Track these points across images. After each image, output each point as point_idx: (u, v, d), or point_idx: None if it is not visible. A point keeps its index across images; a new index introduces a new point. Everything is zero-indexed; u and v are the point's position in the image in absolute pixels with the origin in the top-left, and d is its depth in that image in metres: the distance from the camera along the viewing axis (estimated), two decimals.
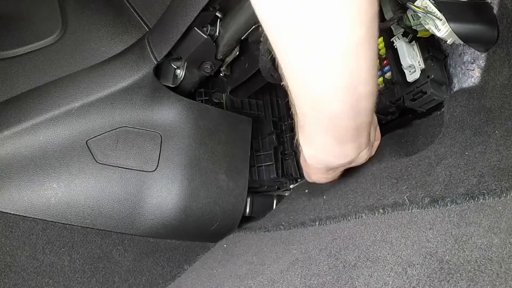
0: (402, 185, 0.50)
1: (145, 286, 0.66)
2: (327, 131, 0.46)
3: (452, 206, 0.41)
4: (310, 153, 0.51)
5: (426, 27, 0.59)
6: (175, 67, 0.72)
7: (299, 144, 0.52)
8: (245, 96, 0.82)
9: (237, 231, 0.71)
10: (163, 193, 0.66)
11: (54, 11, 0.73)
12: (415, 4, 0.58)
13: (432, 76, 0.63)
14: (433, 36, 0.62)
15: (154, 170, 0.66)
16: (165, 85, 0.68)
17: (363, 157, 0.53)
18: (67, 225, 0.62)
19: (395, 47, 0.66)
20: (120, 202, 0.64)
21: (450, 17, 0.56)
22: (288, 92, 0.49)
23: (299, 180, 0.82)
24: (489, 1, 0.59)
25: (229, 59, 0.69)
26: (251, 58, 0.69)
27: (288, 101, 0.91)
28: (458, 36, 0.57)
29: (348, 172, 0.65)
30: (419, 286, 0.33)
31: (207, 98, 0.78)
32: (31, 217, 0.60)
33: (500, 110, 0.52)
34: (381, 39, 0.70)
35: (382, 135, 0.71)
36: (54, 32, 0.71)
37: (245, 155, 0.74)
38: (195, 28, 0.61)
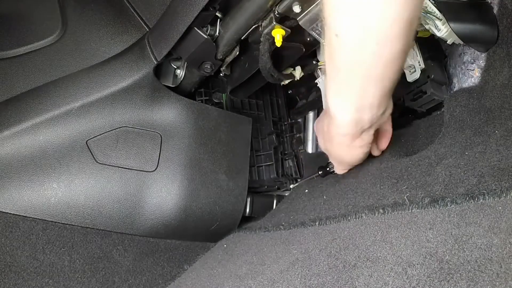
0: (402, 185, 0.50)
1: (145, 286, 0.66)
2: (377, 79, 0.45)
3: (452, 206, 0.41)
4: (348, 113, 0.48)
5: (426, 27, 0.59)
6: (175, 67, 0.72)
7: (333, 112, 0.49)
8: (245, 96, 0.82)
9: (237, 231, 0.71)
10: (163, 193, 0.66)
11: (54, 11, 0.72)
12: None
13: (432, 76, 0.63)
14: (433, 36, 0.62)
15: (154, 170, 0.66)
16: (165, 85, 0.68)
17: (388, 111, 0.52)
18: (67, 225, 0.62)
19: None
20: (120, 202, 0.64)
21: (450, 17, 0.56)
22: (328, 52, 0.46)
23: (299, 180, 0.82)
24: (489, 1, 0.59)
25: (229, 59, 0.69)
26: (251, 58, 0.69)
27: (287, 101, 0.91)
28: (458, 36, 0.57)
29: (348, 172, 0.65)
30: (419, 286, 0.33)
31: (207, 98, 0.78)
32: (31, 217, 0.60)
33: (500, 110, 0.52)
34: None
35: None
36: (54, 32, 0.71)
37: (245, 155, 0.74)
38: (195, 28, 0.61)
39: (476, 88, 0.59)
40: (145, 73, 0.65)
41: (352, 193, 0.56)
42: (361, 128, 0.51)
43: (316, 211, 0.59)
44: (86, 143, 0.64)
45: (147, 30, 0.71)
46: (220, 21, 0.64)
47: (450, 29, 0.56)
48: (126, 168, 0.65)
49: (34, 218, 0.60)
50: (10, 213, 0.59)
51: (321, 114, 0.65)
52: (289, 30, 0.60)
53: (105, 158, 0.64)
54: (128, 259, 0.65)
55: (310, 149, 0.87)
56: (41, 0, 0.74)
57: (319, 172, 0.70)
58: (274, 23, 0.58)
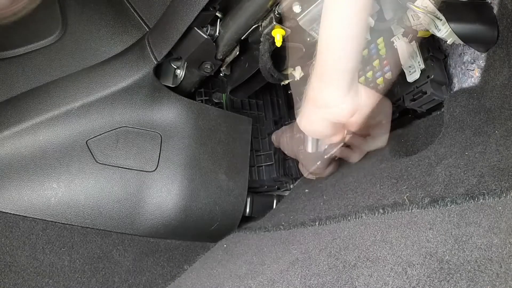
0: (402, 185, 0.50)
1: (145, 286, 0.66)
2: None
3: (452, 206, 0.41)
4: (316, 94, 0.57)
5: (426, 27, 0.59)
6: (175, 67, 0.72)
7: (308, 93, 0.58)
8: (245, 96, 0.82)
9: (237, 231, 0.71)
10: (163, 193, 0.66)
11: (54, 11, 0.72)
12: (415, 4, 0.58)
13: (432, 76, 0.63)
14: (433, 36, 0.62)
15: (154, 170, 0.66)
16: (165, 85, 0.68)
17: (348, 103, 0.56)
18: (67, 225, 0.62)
19: (395, 47, 0.66)
20: (120, 202, 0.64)
21: (450, 17, 0.56)
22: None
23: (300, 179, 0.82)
24: (489, 1, 0.59)
25: (229, 59, 0.69)
26: (251, 58, 0.69)
27: (288, 100, 0.91)
28: (458, 36, 0.57)
29: (348, 172, 0.65)
30: (419, 286, 0.33)
31: (207, 98, 0.78)
32: (31, 217, 0.60)
33: (500, 110, 0.52)
34: (381, 39, 0.70)
35: None
36: (54, 32, 0.71)
37: (245, 155, 0.74)
38: (195, 28, 0.61)
39: (476, 88, 0.59)
40: (145, 73, 0.65)
41: (352, 193, 0.56)
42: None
43: (316, 211, 0.59)
44: (86, 143, 0.64)
45: (147, 30, 0.71)
46: (220, 21, 0.64)
47: (450, 29, 0.56)
48: (126, 168, 0.65)
49: (34, 218, 0.60)
50: (10, 213, 0.59)
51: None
52: (289, 30, 0.60)
53: (105, 158, 0.64)
54: (128, 259, 0.65)
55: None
56: (41, 0, 0.74)
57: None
58: (274, 23, 0.59)
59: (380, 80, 0.70)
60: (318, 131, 0.61)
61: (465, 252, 0.34)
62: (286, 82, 0.74)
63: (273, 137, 0.81)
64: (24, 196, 0.60)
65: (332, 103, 0.56)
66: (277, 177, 0.81)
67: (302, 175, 0.84)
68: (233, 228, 0.72)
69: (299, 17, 0.58)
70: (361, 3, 0.50)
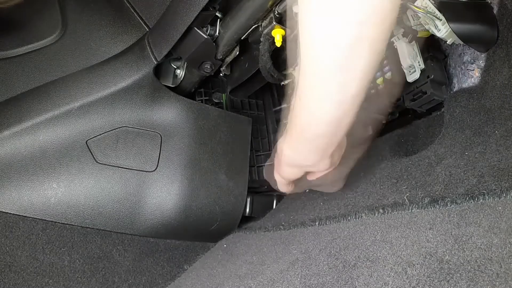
0: (402, 185, 0.50)
1: (145, 286, 0.66)
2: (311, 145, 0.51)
3: (452, 206, 0.41)
4: (289, 154, 0.54)
5: (426, 27, 0.59)
6: (175, 67, 0.72)
7: (281, 146, 0.55)
8: (245, 96, 0.82)
9: (237, 231, 0.71)
10: (163, 193, 0.66)
11: (54, 11, 0.73)
12: (415, 4, 0.58)
13: (432, 76, 0.63)
14: (433, 36, 0.62)
15: (154, 170, 0.66)
16: (165, 85, 0.68)
17: (322, 166, 0.55)
18: (67, 225, 0.62)
19: (395, 47, 0.66)
20: (120, 202, 0.64)
21: (450, 17, 0.56)
22: (292, 105, 0.51)
23: None
24: (489, 1, 0.59)
25: (229, 59, 0.69)
26: (251, 58, 0.69)
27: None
28: (458, 36, 0.57)
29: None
30: (419, 286, 0.33)
31: (207, 98, 0.78)
32: (31, 217, 0.60)
33: (500, 110, 0.52)
34: None
35: (382, 135, 0.71)
36: (54, 32, 0.71)
37: (245, 155, 0.74)
38: (195, 28, 0.61)
39: (476, 88, 0.59)
40: (145, 73, 0.65)
41: (352, 193, 0.56)
42: (295, 165, 0.56)
43: (316, 211, 0.59)
44: (86, 143, 0.64)
45: (147, 30, 0.71)
46: (220, 21, 0.64)
47: (450, 29, 0.56)
48: (126, 168, 0.65)
49: (34, 218, 0.60)
50: (10, 213, 0.59)
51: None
52: (289, 30, 0.60)
53: (105, 158, 0.64)
54: (128, 259, 0.65)
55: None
56: (41, 0, 0.74)
57: None
58: (274, 23, 0.59)
59: (380, 80, 0.70)
60: (287, 178, 0.60)
61: (465, 252, 0.34)
62: (286, 82, 0.74)
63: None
64: (24, 196, 0.60)
65: (308, 166, 0.55)
66: None
67: None
68: (233, 228, 0.72)
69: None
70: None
